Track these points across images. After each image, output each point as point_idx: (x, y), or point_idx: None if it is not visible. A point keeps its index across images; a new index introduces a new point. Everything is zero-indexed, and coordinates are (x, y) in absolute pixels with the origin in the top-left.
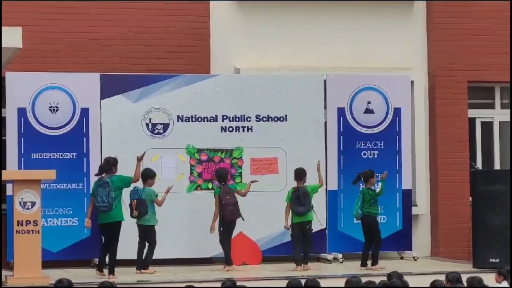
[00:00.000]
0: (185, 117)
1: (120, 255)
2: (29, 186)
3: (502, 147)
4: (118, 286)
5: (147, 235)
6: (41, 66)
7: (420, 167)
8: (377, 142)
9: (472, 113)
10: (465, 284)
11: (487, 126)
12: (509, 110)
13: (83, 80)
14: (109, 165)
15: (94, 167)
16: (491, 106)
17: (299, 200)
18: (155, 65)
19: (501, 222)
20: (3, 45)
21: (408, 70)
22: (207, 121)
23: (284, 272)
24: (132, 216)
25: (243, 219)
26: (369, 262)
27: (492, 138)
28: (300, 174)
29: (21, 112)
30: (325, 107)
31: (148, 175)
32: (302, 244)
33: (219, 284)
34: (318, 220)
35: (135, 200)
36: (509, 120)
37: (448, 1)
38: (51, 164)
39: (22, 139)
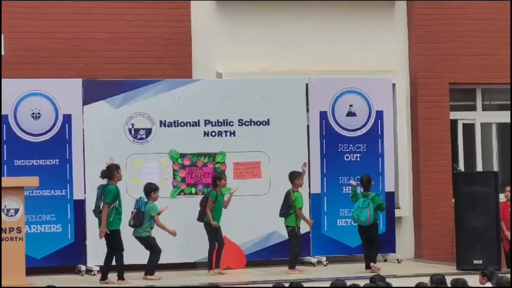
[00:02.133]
0: (168, 122)
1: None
2: (12, 193)
3: (484, 148)
4: None
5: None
6: (22, 72)
7: (402, 169)
8: (359, 145)
9: (453, 115)
10: (449, 285)
11: (469, 128)
12: (490, 112)
13: (65, 86)
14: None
15: (77, 173)
16: (473, 108)
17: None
18: (137, 70)
19: (483, 224)
20: None
21: (389, 72)
22: (190, 126)
23: (269, 276)
24: (129, 224)
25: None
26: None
27: (474, 140)
28: (289, 177)
29: (4, 119)
30: (308, 111)
31: (151, 189)
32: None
33: None
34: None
35: (134, 210)
36: (490, 121)
37: (429, 1)
38: (34, 170)
39: (5, 146)
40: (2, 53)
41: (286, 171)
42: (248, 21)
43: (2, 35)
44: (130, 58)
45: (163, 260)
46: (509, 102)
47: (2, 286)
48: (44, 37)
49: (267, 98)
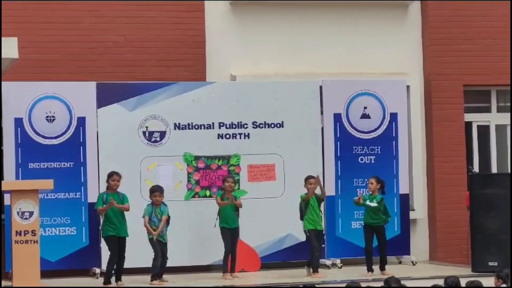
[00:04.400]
0: (182, 125)
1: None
2: (27, 196)
3: (499, 150)
4: None
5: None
6: (37, 75)
7: (417, 171)
8: (374, 147)
9: (468, 117)
10: None
11: (484, 130)
12: (505, 114)
13: (79, 89)
14: None
15: (91, 176)
16: (488, 110)
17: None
18: (151, 73)
19: (498, 226)
20: None
21: (404, 75)
22: (204, 128)
23: (283, 279)
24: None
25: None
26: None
27: (488, 142)
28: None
29: (18, 122)
30: (322, 113)
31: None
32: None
33: None
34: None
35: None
36: (505, 123)
37: (443, 3)
38: (49, 173)
39: (19, 149)
40: (17, 56)
41: (300, 174)
42: (262, 24)
43: (17, 39)
44: (144, 61)
45: (176, 263)
46: None
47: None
48: (58, 40)
49: (281, 101)
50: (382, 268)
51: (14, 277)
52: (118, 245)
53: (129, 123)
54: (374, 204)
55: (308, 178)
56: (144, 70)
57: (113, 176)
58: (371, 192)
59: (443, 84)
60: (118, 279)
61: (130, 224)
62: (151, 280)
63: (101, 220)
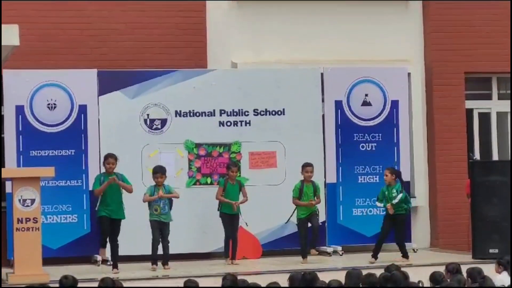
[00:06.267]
0: (183, 112)
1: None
2: (28, 183)
3: (500, 137)
4: (120, 281)
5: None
6: (38, 63)
7: (418, 159)
8: (375, 135)
9: (469, 104)
10: (465, 275)
11: (485, 117)
12: (506, 101)
13: (80, 77)
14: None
15: (93, 163)
16: (489, 97)
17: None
18: (152, 60)
19: (499, 213)
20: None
21: (405, 62)
22: (205, 116)
23: (285, 266)
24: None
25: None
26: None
27: (489, 129)
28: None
29: (19, 109)
30: (323, 100)
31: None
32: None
33: (220, 279)
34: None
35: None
36: (506, 110)
37: None
38: (50, 161)
39: (21, 136)
40: (18, 43)
41: (301, 161)
42: (263, 11)
43: (18, 26)
44: (145, 48)
45: (178, 250)
46: None
47: (19, 275)
48: (59, 28)
49: (282, 88)
50: (404, 257)
51: (16, 265)
52: (110, 227)
53: (131, 111)
54: (396, 200)
55: (305, 166)
56: (146, 57)
57: (108, 159)
58: (387, 184)
59: (444, 71)
60: (114, 266)
61: (131, 211)
62: (152, 265)
63: (98, 203)
